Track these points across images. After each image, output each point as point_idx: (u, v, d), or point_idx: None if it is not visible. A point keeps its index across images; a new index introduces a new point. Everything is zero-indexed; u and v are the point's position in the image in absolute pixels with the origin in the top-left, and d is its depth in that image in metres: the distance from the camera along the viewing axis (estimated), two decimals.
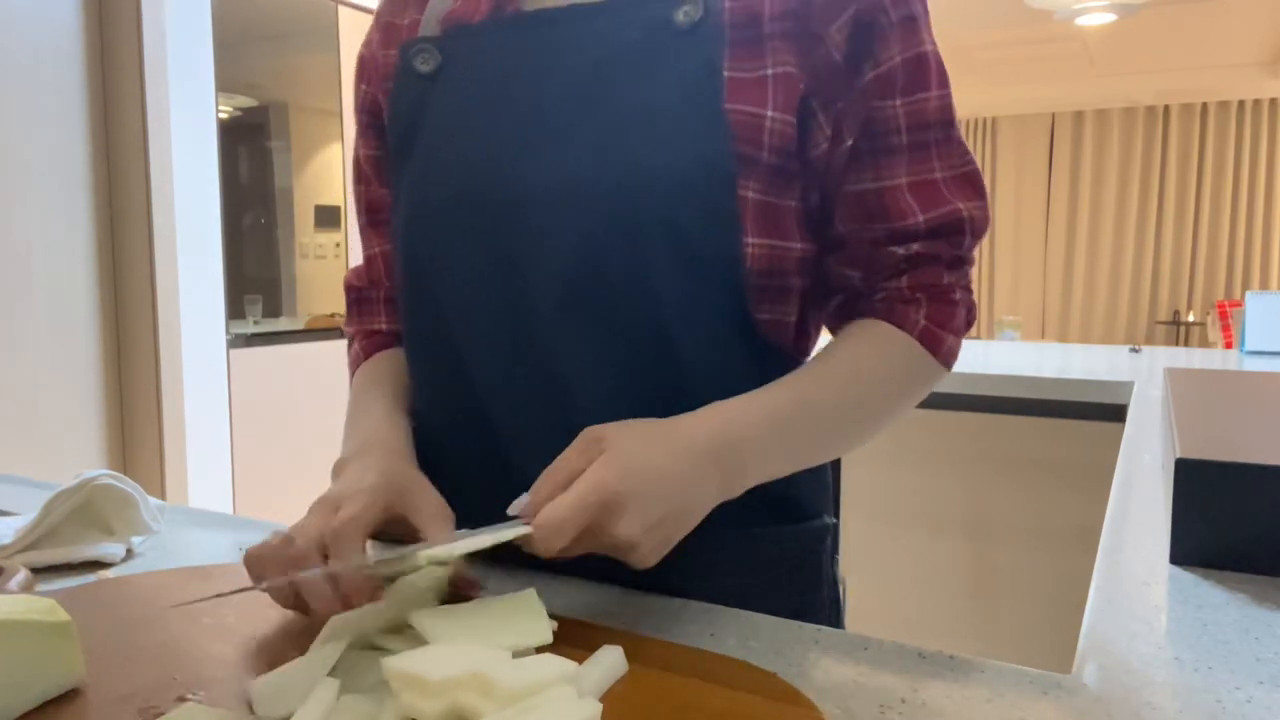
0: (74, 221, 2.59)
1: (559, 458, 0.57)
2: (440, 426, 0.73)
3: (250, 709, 0.47)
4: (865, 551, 2.34)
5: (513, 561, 0.66)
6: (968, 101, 7.15)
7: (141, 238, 2.66)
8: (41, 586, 0.68)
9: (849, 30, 0.65)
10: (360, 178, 0.83)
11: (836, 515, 0.79)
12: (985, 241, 7.47)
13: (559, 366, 0.65)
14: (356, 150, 0.83)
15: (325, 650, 0.51)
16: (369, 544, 0.58)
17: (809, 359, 0.70)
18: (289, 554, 0.55)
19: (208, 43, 2.82)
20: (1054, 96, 7.00)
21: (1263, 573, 0.69)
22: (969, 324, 0.71)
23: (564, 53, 0.67)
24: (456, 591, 0.62)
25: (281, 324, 3.25)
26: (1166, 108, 7.05)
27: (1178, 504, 0.72)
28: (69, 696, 0.49)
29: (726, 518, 0.62)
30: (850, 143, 0.67)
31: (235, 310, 3.00)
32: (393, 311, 0.83)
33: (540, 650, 0.52)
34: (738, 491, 0.61)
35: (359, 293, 0.85)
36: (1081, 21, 4.38)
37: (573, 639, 0.54)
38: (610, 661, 0.50)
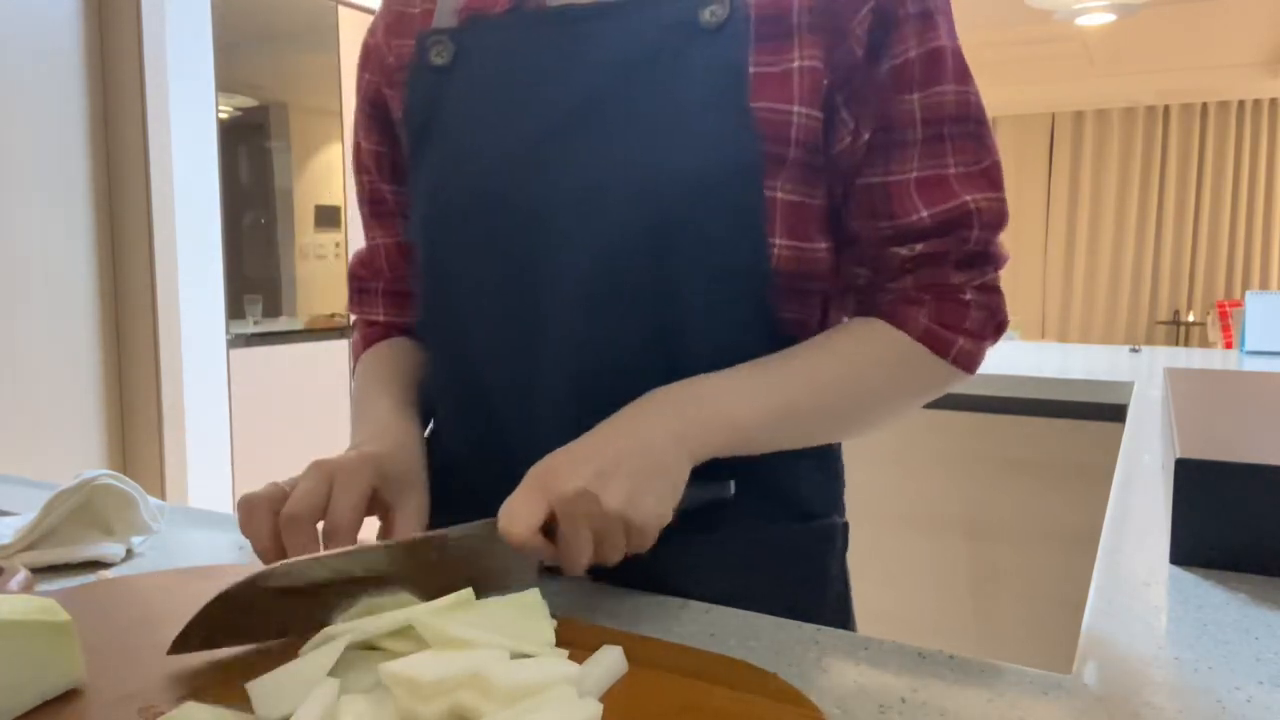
0: (74, 222, 2.59)
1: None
2: (454, 426, 0.73)
3: (250, 709, 0.47)
4: (865, 551, 2.34)
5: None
6: None
7: (141, 238, 2.66)
8: (41, 586, 0.68)
9: (869, 23, 0.64)
10: (361, 168, 0.83)
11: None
12: None
13: (577, 369, 0.65)
14: (357, 139, 0.82)
15: (325, 650, 0.51)
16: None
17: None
18: (282, 516, 0.58)
19: (208, 43, 2.82)
20: (1054, 96, 6.99)
21: (1263, 573, 0.69)
22: (997, 326, 0.69)
23: (586, 52, 0.66)
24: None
25: (281, 324, 3.25)
26: (1166, 108, 7.05)
27: (1178, 504, 0.72)
28: (69, 696, 0.49)
29: (732, 516, 0.62)
30: (866, 137, 0.67)
31: (235, 310, 3.00)
32: (391, 305, 0.84)
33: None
34: (707, 436, 0.61)
35: (361, 282, 0.86)
36: (1081, 21, 4.38)
37: (573, 639, 0.54)
38: (610, 661, 0.50)
